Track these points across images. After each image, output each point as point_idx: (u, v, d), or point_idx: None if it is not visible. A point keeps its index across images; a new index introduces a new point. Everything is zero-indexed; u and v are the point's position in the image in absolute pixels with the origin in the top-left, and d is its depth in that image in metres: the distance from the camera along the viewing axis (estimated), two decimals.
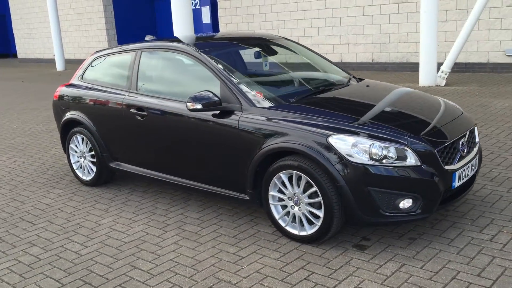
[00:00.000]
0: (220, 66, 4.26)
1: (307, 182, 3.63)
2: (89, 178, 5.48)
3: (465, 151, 3.81)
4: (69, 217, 4.70)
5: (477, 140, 4.10)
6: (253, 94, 4.07)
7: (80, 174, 5.58)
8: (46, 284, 3.49)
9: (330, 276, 3.31)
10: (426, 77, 10.17)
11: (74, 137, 5.49)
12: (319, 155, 3.51)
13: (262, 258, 3.63)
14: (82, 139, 5.42)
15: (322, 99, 4.17)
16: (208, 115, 4.16)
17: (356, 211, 3.48)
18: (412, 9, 12.04)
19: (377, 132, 3.54)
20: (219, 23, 16.35)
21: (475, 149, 3.99)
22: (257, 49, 4.93)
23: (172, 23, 12.14)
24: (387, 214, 3.46)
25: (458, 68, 11.45)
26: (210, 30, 18.35)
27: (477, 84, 9.97)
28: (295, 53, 5.15)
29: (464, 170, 3.72)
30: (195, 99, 4.04)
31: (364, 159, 3.43)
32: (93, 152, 5.34)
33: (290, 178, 3.76)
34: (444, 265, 3.33)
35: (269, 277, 3.35)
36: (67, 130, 5.62)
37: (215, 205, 4.69)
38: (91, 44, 20.51)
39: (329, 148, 3.50)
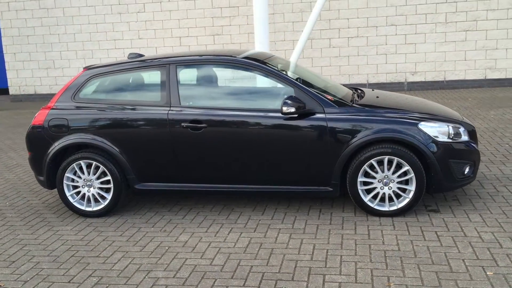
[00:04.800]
0: (291, 75, 4.70)
1: (398, 163, 4.47)
2: (98, 207, 4.94)
3: None
4: (137, 243, 4.32)
5: None
6: (327, 97, 4.67)
7: (81, 206, 4.97)
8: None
9: (451, 230, 4.22)
10: None
11: (73, 165, 4.88)
12: (415, 139, 4.41)
13: (381, 231, 4.28)
14: (88, 165, 4.88)
15: (372, 101, 5.00)
16: (282, 119, 4.55)
17: (442, 180, 4.49)
18: (227, 41, 13.43)
19: (444, 118, 4.66)
20: (3, 52, 14.65)
21: None
22: (282, 62, 5.38)
23: None
24: (459, 179, 4.59)
25: None
26: None
27: None
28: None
29: None
30: (288, 104, 4.42)
31: (445, 138, 4.49)
32: (104, 178, 4.87)
33: (378, 164, 4.52)
34: (502, 209, 4.62)
35: (414, 241, 4.07)
36: (60, 159, 4.95)
37: (271, 207, 4.98)
38: None
39: (420, 133, 4.44)
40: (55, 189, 5.26)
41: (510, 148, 6.60)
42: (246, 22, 13.06)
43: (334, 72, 13.04)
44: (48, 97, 14.49)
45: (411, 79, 12.68)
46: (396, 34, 12.53)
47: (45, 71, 14.48)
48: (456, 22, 12.14)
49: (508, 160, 6.07)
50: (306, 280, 3.54)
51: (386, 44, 12.63)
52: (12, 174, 6.76)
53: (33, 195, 5.83)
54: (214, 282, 3.58)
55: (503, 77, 12.22)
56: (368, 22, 12.61)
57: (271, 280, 3.57)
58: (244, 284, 3.53)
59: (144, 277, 3.72)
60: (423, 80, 12.64)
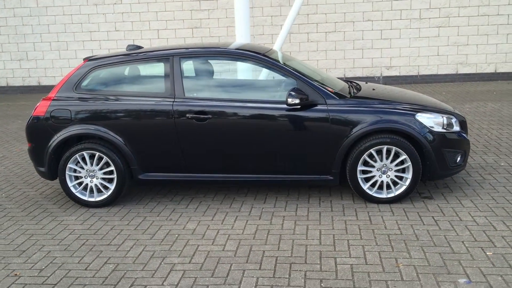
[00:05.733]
0: (293, 68, 4.85)
1: (396, 153, 4.68)
2: (101, 198, 4.98)
3: None
4: (146, 231, 4.40)
5: None
6: (328, 89, 4.84)
7: (83, 197, 4.99)
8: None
9: (446, 215, 4.47)
10: None
11: (76, 155, 4.90)
12: (413, 129, 4.63)
13: (381, 217, 4.49)
14: (91, 155, 4.91)
15: (369, 94, 5.20)
16: (285, 110, 4.69)
17: (436, 169, 4.73)
18: (205, 34, 13.45)
19: (439, 109, 4.89)
20: None
21: None
22: (279, 55, 5.52)
23: None
24: (452, 167, 4.84)
25: None
26: None
27: None
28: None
29: None
30: (293, 96, 4.56)
31: (440, 128, 4.73)
32: (107, 169, 4.91)
33: (377, 153, 4.73)
34: (491, 195, 4.91)
35: (414, 225, 4.29)
36: (62, 150, 4.96)
37: (272, 195, 5.13)
38: None
39: (417, 123, 4.66)
40: (53, 181, 5.28)
41: (489, 139, 6.94)
42: (225, 16, 13.12)
43: None
44: (21, 89, 14.24)
45: (387, 73, 13.02)
46: (372, 30, 12.82)
47: (17, 62, 14.18)
48: (429, 18, 12.52)
49: (489, 150, 6.40)
50: (319, 263, 3.71)
51: (363, 39, 12.92)
52: (1, 167, 6.69)
53: (28, 186, 5.80)
54: (231, 267, 3.71)
55: (474, 72, 12.70)
56: (345, 17, 12.87)
57: (285, 263, 3.72)
58: (260, 268, 3.68)
59: (160, 263, 3.81)
60: (397, 74, 13.00)
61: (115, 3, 13.53)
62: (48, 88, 12.62)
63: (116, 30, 13.69)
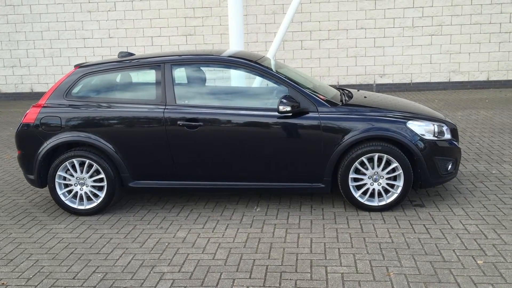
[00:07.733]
0: (285, 75, 4.84)
1: (387, 160, 4.68)
2: (91, 206, 4.94)
3: None
4: (135, 240, 4.36)
5: None
6: (320, 96, 4.83)
7: (73, 205, 4.95)
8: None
9: (438, 223, 4.46)
10: None
11: (66, 163, 4.86)
12: (404, 137, 4.63)
13: (373, 225, 4.48)
14: (81, 163, 4.87)
15: (361, 101, 5.19)
16: (276, 117, 4.68)
17: (428, 176, 4.73)
18: (199, 41, 13.46)
19: (430, 117, 4.90)
20: None
21: None
22: (271, 62, 5.50)
23: None
24: (443, 175, 4.84)
25: None
26: None
27: None
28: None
29: None
30: (284, 103, 4.55)
31: (431, 136, 4.73)
32: (98, 176, 4.87)
33: (368, 160, 4.72)
34: (482, 203, 4.90)
35: (405, 233, 4.28)
36: (52, 157, 4.92)
37: (263, 203, 5.10)
38: None
39: (409, 131, 4.66)
40: (42, 188, 5.24)
41: (481, 146, 6.95)
42: (219, 23, 13.14)
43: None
44: (13, 96, 14.17)
45: (380, 81, 13.05)
46: (365, 37, 12.86)
47: (10, 69, 14.13)
48: (422, 26, 12.58)
49: (481, 158, 6.40)
50: (309, 271, 3.68)
51: (356, 47, 12.96)
52: None
53: (18, 194, 5.75)
54: (220, 276, 3.68)
55: (466, 80, 12.75)
56: (339, 25, 12.91)
57: (276, 272, 3.69)
58: (250, 276, 3.64)
59: (150, 272, 3.77)
60: (391, 82, 13.03)
61: (109, 10, 13.52)
62: (41, 95, 12.58)
63: (110, 37, 13.67)
